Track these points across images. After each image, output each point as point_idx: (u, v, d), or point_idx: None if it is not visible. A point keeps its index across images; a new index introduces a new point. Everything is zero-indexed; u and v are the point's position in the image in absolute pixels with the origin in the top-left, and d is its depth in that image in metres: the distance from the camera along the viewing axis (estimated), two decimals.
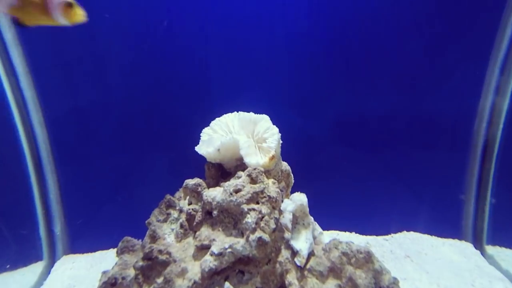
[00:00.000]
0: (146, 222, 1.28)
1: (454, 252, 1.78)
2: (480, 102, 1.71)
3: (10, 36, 1.59)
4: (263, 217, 1.07)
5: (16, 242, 1.71)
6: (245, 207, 1.09)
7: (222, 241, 1.08)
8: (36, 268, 1.76)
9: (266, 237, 1.04)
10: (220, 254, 1.05)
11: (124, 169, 1.81)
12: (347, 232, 1.95)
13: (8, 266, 1.70)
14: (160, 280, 1.09)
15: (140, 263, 1.12)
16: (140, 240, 1.30)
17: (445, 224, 1.89)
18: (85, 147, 1.77)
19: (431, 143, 1.79)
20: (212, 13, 1.64)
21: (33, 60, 1.65)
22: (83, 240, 1.86)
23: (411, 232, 1.94)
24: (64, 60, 1.68)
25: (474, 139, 1.76)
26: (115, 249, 1.29)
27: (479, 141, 1.75)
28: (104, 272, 1.19)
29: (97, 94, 1.73)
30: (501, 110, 1.68)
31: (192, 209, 1.23)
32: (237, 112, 1.39)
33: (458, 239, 1.88)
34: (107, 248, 1.86)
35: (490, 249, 1.81)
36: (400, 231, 1.95)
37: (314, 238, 1.29)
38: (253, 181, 1.16)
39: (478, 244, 1.83)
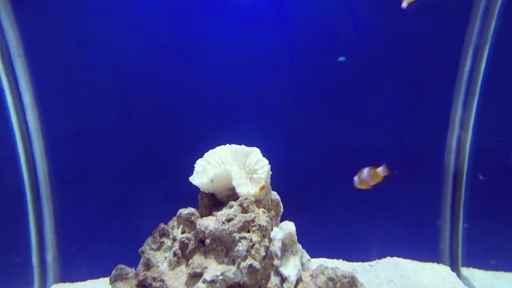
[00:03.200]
0: (139, 250, 1.31)
1: (433, 275, 1.86)
2: (448, 136, 1.88)
3: (19, 65, 1.69)
4: (253, 245, 1.13)
5: (8, 270, 1.69)
6: (237, 235, 1.14)
7: (214, 269, 1.13)
8: None
9: (256, 264, 1.09)
10: (212, 281, 1.09)
11: (118, 199, 1.84)
12: (334, 259, 2.02)
13: None
14: None
15: None
16: (133, 269, 1.32)
17: (424, 249, 1.99)
18: (81, 176, 1.81)
19: (410, 174, 1.91)
20: (207, 50, 1.77)
21: (40, 91, 1.73)
22: (74, 269, 1.85)
23: (394, 258, 2.03)
24: (65, 90, 1.76)
25: (445, 170, 1.92)
26: (105, 278, 1.31)
27: (450, 171, 1.90)
28: None
29: (94, 124, 1.80)
30: (465, 143, 1.85)
31: (186, 237, 1.27)
32: (230, 144, 1.46)
33: (437, 262, 1.98)
34: (97, 277, 1.85)
35: (465, 271, 1.91)
36: (384, 257, 2.03)
37: (302, 264, 1.35)
38: (244, 210, 1.23)
39: (454, 267, 1.93)
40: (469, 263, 1.93)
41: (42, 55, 1.71)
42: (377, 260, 2.02)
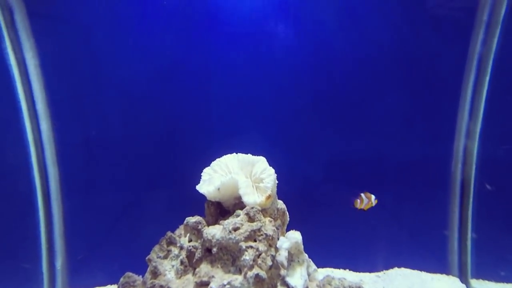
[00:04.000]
0: (147, 258, 1.31)
1: (442, 286, 1.84)
2: (454, 145, 1.88)
3: (35, 77, 1.74)
4: (260, 254, 1.14)
5: (18, 276, 1.73)
6: (243, 244, 1.15)
7: (221, 278, 1.13)
8: None
9: (263, 273, 1.10)
10: None
11: (127, 206, 1.87)
12: (341, 269, 2.00)
13: None
14: None
15: None
16: (140, 276, 1.33)
17: (433, 259, 1.96)
18: (90, 184, 1.85)
19: (416, 183, 1.92)
20: (214, 60, 1.81)
21: (53, 101, 1.78)
22: (82, 276, 1.87)
23: (402, 268, 2.00)
24: (76, 101, 1.81)
25: (452, 179, 1.91)
26: (113, 286, 1.31)
27: (457, 180, 1.89)
28: None
29: (104, 133, 1.84)
30: (472, 151, 1.84)
31: (193, 246, 1.28)
32: (236, 153, 1.48)
33: (445, 274, 1.95)
34: (105, 284, 1.86)
35: (474, 282, 1.88)
36: (392, 268, 2.01)
37: (309, 275, 1.34)
38: (250, 219, 1.24)
39: (463, 278, 1.90)
40: (478, 275, 1.90)
41: (56, 66, 1.76)
42: (384, 270, 2.00)
